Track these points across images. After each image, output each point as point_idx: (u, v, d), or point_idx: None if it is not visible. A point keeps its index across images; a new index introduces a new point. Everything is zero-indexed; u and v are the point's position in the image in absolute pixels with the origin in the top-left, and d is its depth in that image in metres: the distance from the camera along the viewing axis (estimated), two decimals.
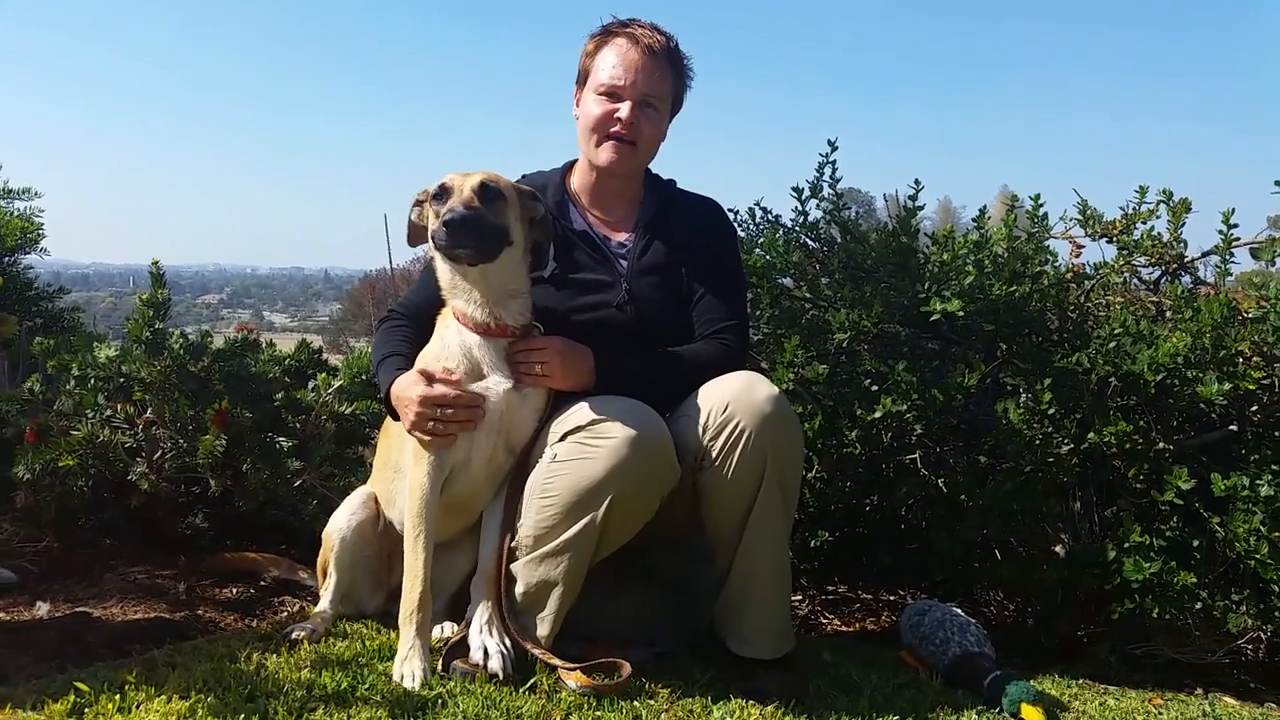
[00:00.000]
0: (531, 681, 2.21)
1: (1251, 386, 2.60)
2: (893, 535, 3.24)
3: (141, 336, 3.18)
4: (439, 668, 2.26)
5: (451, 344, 2.37)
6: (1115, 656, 2.76)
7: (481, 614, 2.32)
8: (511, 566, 2.33)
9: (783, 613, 2.40)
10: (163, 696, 2.03)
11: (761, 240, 3.39)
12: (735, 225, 3.12)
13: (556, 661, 2.24)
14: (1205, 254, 3.02)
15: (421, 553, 2.31)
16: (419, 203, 2.43)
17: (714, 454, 2.27)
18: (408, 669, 2.21)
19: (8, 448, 3.23)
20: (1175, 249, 3.04)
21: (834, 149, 3.33)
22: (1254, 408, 2.73)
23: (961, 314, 2.86)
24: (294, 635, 2.46)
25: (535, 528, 2.28)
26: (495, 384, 2.34)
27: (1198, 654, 2.69)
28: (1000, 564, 2.95)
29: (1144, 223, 3.07)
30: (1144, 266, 3.14)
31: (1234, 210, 2.87)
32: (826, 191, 3.39)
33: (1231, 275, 2.94)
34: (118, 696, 2.02)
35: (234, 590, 3.03)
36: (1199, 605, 2.57)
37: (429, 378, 2.32)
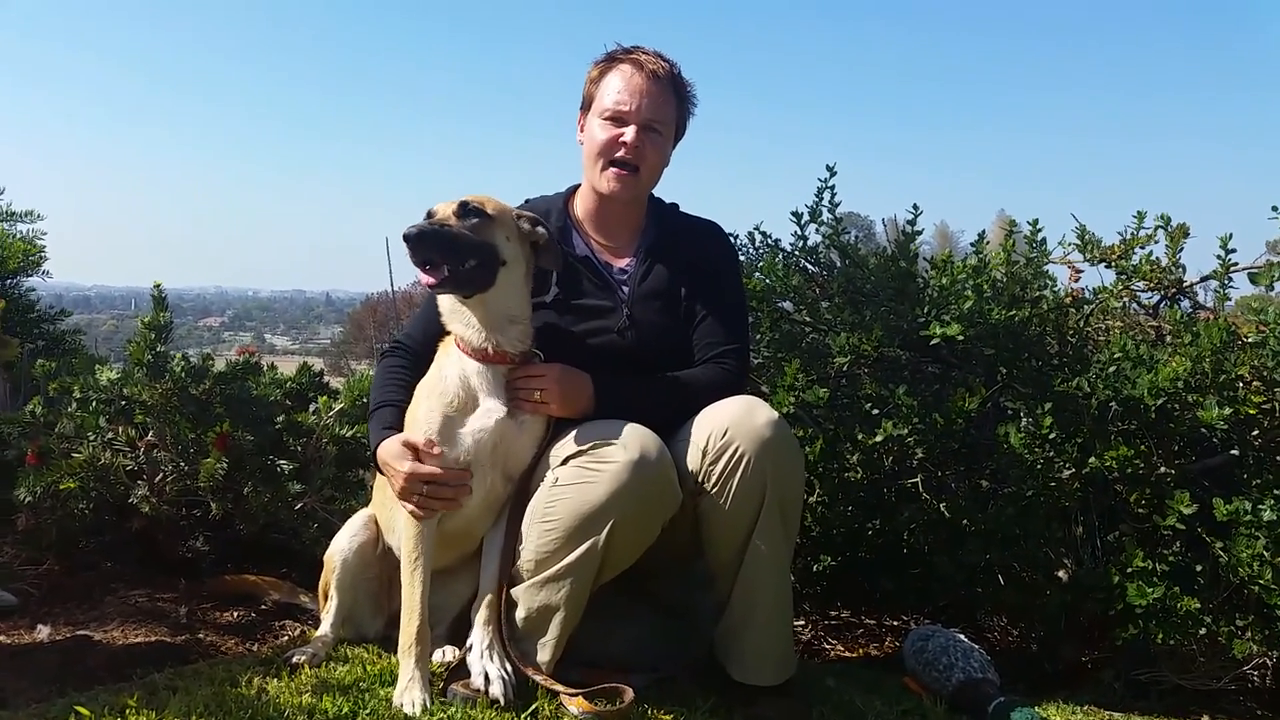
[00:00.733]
0: (533, 707, 2.20)
1: (1252, 411, 2.60)
2: (895, 560, 3.23)
3: (143, 359, 3.19)
4: (440, 693, 2.25)
5: (449, 375, 2.36)
6: (1120, 683, 2.75)
7: (482, 639, 2.31)
8: (512, 591, 2.32)
9: (784, 638, 2.39)
10: None
11: (761, 264, 3.41)
12: (736, 249, 3.13)
13: (558, 687, 2.23)
14: (1204, 279, 3.04)
15: (419, 586, 2.30)
16: None
17: (714, 479, 2.26)
18: (408, 698, 2.20)
19: (9, 470, 3.23)
20: (1174, 274, 3.06)
21: (832, 174, 3.36)
22: (1255, 432, 2.74)
23: (961, 338, 2.87)
24: (295, 659, 2.45)
25: (536, 552, 2.27)
26: (492, 412, 2.33)
27: (1203, 680, 2.68)
28: (1003, 589, 2.95)
29: (1142, 247, 3.10)
30: (1143, 291, 3.16)
31: (1232, 235, 2.89)
32: (826, 216, 3.41)
33: (1230, 300, 2.96)
34: None
35: (235, 614, 3.02)
36: (1203, 631, 2.56)
37: (414, 450, 2.31)
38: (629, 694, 2.21)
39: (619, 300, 2.54)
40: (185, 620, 2.92)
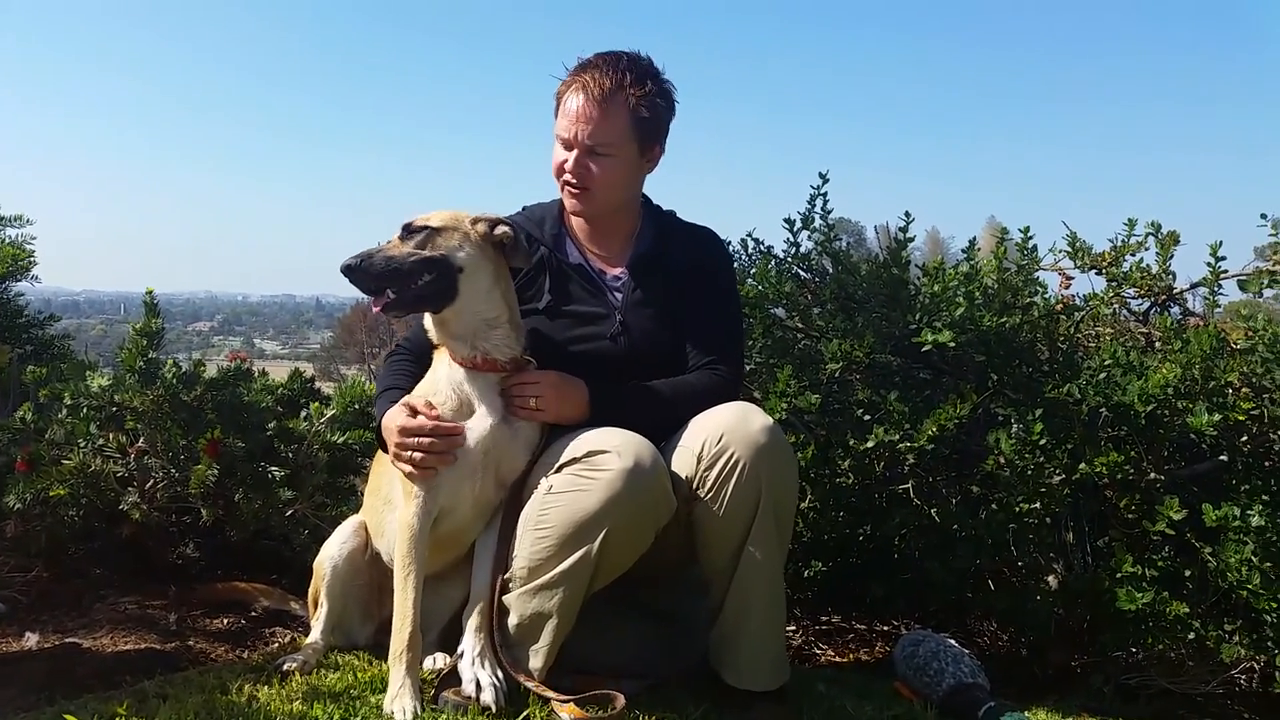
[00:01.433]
0: (524, 715, 2.20)
1: (1241, 417, 2.62)
2: (886, 565, 3.24)
3: (135, 365, 3.17)
4: (431, 700, 2.25)
5: (441, 379, 2.38)
6: (1109, 687, 2.76)
7: (474, 646, 2.31)
8: (505, 598, 2.32)
9: (778, 644, 2.39)
10: None
11: (754, 271, 3.41)
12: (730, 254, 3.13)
13: (550, 694, 2.23)
14: (1194, 285, 3.05)
15: (411, 592, 2.29)
16: None
17: (709, 485, 2.27)
18: (399, 706, 2.19)
19: None
20: (1164, 281, 3.08)
21: (825, 181, 3.37)
22: (1244, 438, 2.75)
23: (953, 344, 2.88)
24: (285, 666, 2.44)
25: (530, 559, 2.27)
26: (484, 418, 2.34)
27: (1192, 685, 2.70)
28: (994, 594, 2.96)
29: (1133, 255, 3.11)
30: (1133, 298, 3.18)
31: (1221, 243, 2.91)
32: (818, 223, 3.42)
33: (1220, 307, 2.98)
34: None
35: (225, 621, 3.00)
36: (1192, 635, 2.58)
37: (412, 410, 2.34)
38: (621, 700, 2.21)
39: (612, 307, 2.54)
40: (175, 627, 2.91)
